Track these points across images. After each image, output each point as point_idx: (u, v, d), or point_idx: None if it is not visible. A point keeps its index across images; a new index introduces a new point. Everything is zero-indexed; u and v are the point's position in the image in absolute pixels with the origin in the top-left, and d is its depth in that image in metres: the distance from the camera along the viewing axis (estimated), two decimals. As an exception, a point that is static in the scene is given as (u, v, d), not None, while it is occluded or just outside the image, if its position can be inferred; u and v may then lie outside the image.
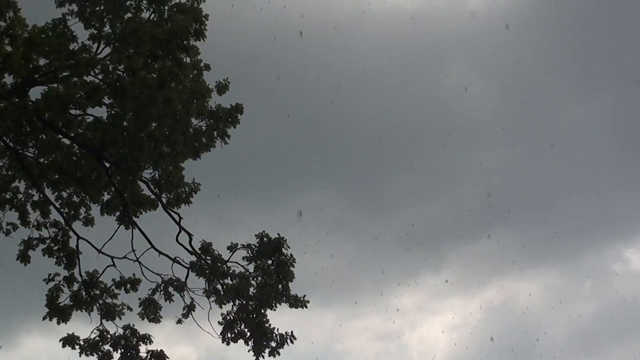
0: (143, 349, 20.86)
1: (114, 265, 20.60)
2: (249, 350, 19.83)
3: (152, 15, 18.15)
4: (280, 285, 19.61)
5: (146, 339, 20.86)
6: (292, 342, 19.84)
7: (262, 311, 19.80)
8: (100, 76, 17.85)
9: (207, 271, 19.82)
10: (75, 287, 21.04)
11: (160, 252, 20.01)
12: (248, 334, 19.82)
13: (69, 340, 20.96)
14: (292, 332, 19.86)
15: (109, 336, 21.00)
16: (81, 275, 20.97)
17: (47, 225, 21.04)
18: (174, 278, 20.23)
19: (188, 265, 19.90)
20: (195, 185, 20.21)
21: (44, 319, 20.97)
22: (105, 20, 18.08)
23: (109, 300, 21.01)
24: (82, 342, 20.95)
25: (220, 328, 19.91)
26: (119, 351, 20.95)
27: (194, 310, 20.21)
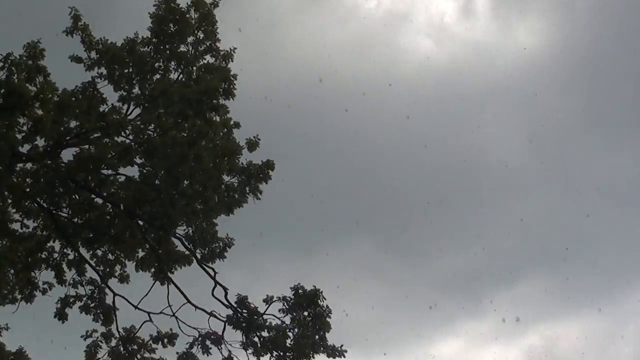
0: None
1: (150, 320, 20.67)
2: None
3: (181, 76, 18.32)
4: (317, 336, 19.58)
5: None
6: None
7: (300, 362, 19.77)
8: (131, 136, 18.01)
9: (244, 324, 19.81)
10: (113, 342, 21.13)
11: (196, 307, 20.08)
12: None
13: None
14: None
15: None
16: (119, 331, 21.07)
17: (83, 283, 21.14)
18: (211, 332, 20.24)
19: (225, 319, 19.93)
20: (229, 240, 20.29)
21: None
22: (134, 82, 18.25)
23: (147, 355, 21.06)
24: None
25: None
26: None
27: (231, 364, 20.20)
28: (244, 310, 19.86)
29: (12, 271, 22.14)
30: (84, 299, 21.06)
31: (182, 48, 19.08)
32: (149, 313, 20.58)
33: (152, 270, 20.68)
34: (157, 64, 18.26)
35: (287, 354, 19.75)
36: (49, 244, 20.66)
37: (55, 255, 20.92)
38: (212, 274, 20.00)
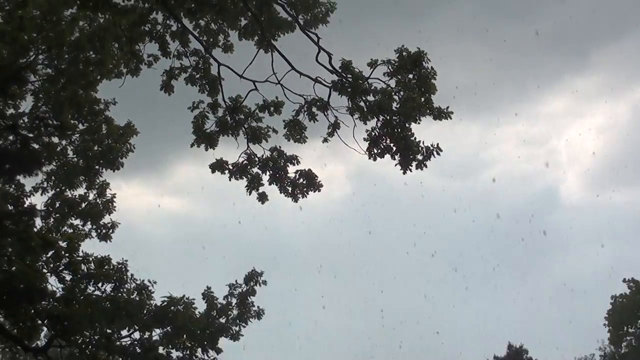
0: (291, 170, 21.28)
1: (256, 89, 20.74)
2: (396, 165, 19.93)
3: None
4: (422, 99, 19.49)
5: (293, 159, 21.23)
6: (438, 154, 19.82)
7: (407, 125, 19.75)
8: None
9: (349, 89, 19.76)
10: (220, 113, 21.37)
11: (301, 74, 19.97)
12: (394, 148, 19.89)
13: (218, 166, 21.49)
14: (437, 144, 19.83)
15: (256, 159, 21.44)
16: (225, 101, 21.26)
17: (188, 54, 21.25)
18: (317, 98, 20.29)
19: (330, 85, 19.87)
20: (331, 4, 20.03)
21: (191, 146, 21.45)
22: None
23: (254, 124, 21.30)
24: (230, 167, 21.48)
25: (365, 145, 20.05)
26: (268, 173, 21.41)
27: (338, 129, 20.24)
28: (349, 75, 19.76)
29: (116, 45, 22.39)
30: (189, 70, 21.22)
31: None
32: (254, 82, 20.65)
33: (255, 38, 20.61)
34: None
35: (394, 117, 19.76)
36: (151, 16, 20.62)
37: (159, 27, 20.95)
38: (316, 39, 19.80)
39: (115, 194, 25.99)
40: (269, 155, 21.30)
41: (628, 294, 72.01)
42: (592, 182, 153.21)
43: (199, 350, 24.11)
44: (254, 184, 21.49)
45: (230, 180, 21.44)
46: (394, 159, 19.84)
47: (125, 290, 23.72)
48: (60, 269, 23.54)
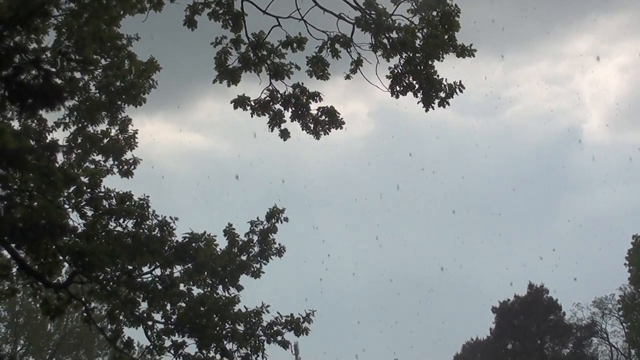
0: (313, 107, 21.21)
1: (279, 25, 20.62)
2: (418, 102, 19.88)
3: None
4: (446, 36, 19.35)
5: (316, 96, 21.15)
6: (460, 91, 19.73)
7: (430, 62, 19.65)
8: None
9: (372, 26, 19.62)
10: (243, 49, 21.26)
11: (324, 10, 19.87)
12: (416, 86, 19.80)
13: (240, 102, 21.47)
14: (460, 81, 19.72)
15: (279, 95, 21.37)
16: (248, 37, 21.13)
17: (211, -15, 21.05)
18: (340, 34, 20.17)
19: (353, 21, 19.75)
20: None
21: (214, 82, 21.41)
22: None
23: (276, 60, 21.19)
24: (252, 103, 21.44)
25: (388, 82, 19.96)
26: (290, 109, 21.35)
27: (361, 66, 20.18)
28: (372, 12, 19.61)
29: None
30: (212, 5, 21.04)
31: None
32: (277, 17, 20.53)
33: (279, -27, 20.44)
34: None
35: (417, 54, 19.63)
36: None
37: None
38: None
39: (137, 130, 26.02)
40: (291, 92, 21.23)
41: (649, 233, 72.01)
42: (615, 122, 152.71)
43: (220, 287, 24.22)
44: (276, 120, 21.45)
45: (252, 116, 21.44)
46: (417, 96, 19.80)
47: (146, 226, 23.77)
48: (82, 204, 23.61)
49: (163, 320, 23.91)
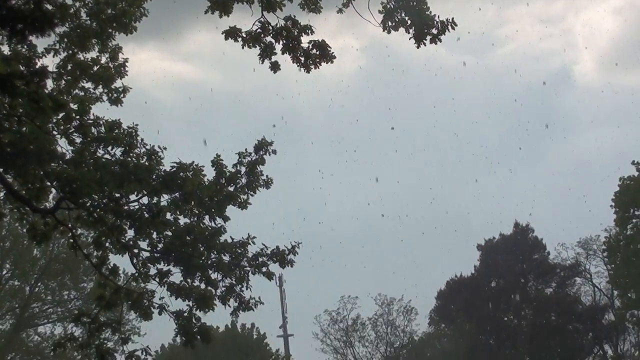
0: (305, 40, 21.16)
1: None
2: (410, 38, 19.87)
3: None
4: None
5: (307, 29, 21.08)
6: (453, 28, 19.72)
7: (422, -2, 19.60)
8: None
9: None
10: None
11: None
12: (409, 22, 19.76)
13: (232, 33, 21.40)
14: (452, 18, 19.69)
15: (270, 27, 21.29)
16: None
17: None
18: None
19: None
20: None
21: (205, 12, 21.29)
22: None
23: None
24: (244, 34, 21.37)
25: (380, 17, 19.90)
26: (281, 42, 21.29)
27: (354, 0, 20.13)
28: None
29: None
30: None
31: None
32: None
33: None
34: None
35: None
36: None
37: None
38: None
39: (127, 58, 25.95)
40: (282, 25, 21.14)
41: (636, 176, 72.28)
42: (607, 64, 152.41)
43: (207, 217, 24.35)
44: (267, 52, 21.41)
45: (243, 48, 21.37)
46: (408, 32, 19.77)
47: (134, 155, 23.78)
48: (71, 131, 23.55)
49: (149, 249, 24.06)
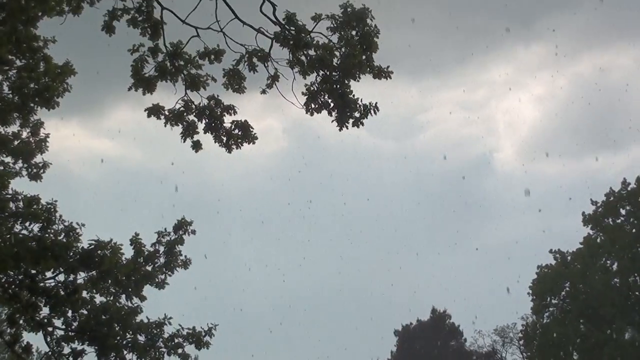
0: (227, 120, 21.20)
1: (198, 36, 20.58)
2: (332, 121, 20.01)
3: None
4: (364, 56, 19.54)
5: (230, 109, 21.14)
6: (375, 113, 19.91)
7: (346, 82, 19.80)
8: None
9: (291, 42, 19.71)
10: (160, 57, 21.14)
11: (244, 23, 19.87)
12: (332, 104, 19.94)
13: (154, 111, 21.33)
14: (375, 103, 19.90)
15: (193, 106, 21.28)
16: (165, 46, 21.03)
17: (131, -5, 20.96)
18: (258, 49, 20.22)
19: (272, 36, 19.82)
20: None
21: (129, 89, 21.25)
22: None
23: (193, 71, 21.13)
24: (167, 112, 21.33)
25: (304, 99, 20.06)
26: (204, 121, 21.28)
27: (277, 81, 20.23)
28: (292, 28, 19.70)
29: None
30: (132, 12, 20.92)
31: None
32: (196, 28, 20.50)
33: (200, -17, 20.40)
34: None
35: (334, 73, 19.77)
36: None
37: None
38: (261, -11, 19.68)
39: (49, 133, 25.83)
40: (206, 104, 21.19)
41: (554, 264, 73.35)
42: (526, 152, 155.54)
43: (123, 296, 24.02)
44: (189, 131, 21.38)
45: (165, 126, 21.30)
46: (331, 115, 19.93)
47: (52, 231, 23.47)
48: (-12, 206, 23.25)
49: (64, 327, 23.58)
